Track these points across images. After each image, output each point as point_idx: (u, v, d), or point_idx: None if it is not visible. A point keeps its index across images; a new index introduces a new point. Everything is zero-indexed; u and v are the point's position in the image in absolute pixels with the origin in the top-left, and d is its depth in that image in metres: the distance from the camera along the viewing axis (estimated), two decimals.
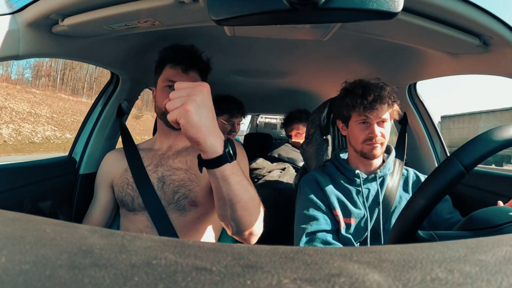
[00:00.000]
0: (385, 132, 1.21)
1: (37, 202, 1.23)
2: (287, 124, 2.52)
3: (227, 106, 2.20)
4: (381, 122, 1.20)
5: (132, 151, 1.23)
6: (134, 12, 0.89)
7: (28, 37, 0.95)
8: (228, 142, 0.78)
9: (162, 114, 1.17)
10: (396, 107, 1.25)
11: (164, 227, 1.08)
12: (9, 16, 0.91)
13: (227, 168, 0.78)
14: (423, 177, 1.31)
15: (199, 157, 0.78)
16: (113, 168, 1.25)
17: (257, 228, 0.91)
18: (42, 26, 0.97)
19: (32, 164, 1.26)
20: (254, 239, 0.92)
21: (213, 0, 0.62)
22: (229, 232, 0.91)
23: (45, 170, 1.32)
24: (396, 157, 1.33)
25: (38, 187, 1.25)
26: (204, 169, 0.79)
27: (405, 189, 1.27)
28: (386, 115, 1.20)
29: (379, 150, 1.20)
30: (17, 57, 0.93)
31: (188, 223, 1.13)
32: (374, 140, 1.19)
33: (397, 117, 1.28)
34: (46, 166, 1.34)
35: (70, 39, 1.08)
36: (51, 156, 1.56)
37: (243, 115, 2.29)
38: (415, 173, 1.33)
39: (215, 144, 0.75)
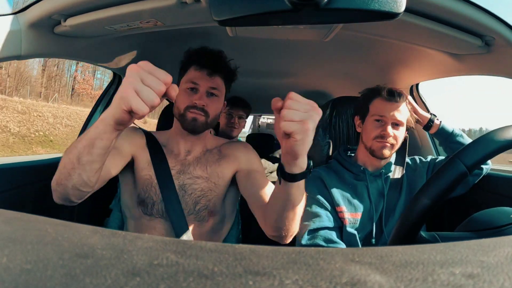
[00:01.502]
0: (398, 134, 1.21)
1: (38, 201, 1.24)
2: None
3: (230, 98, 2.26)
4: (395, 125, 1.21)
5: (155, 148, 1.16)
6: (136, 12, 0.89)
7: (30, 38, 0.95)
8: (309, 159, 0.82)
9: (180, 116, 1.12)
10: (412, 117, 1.27)
11: (184, 236, 1.06)
12: (11, 17, 0.91)
13: (301, 182, 0.82)
14: (429, 158, 1.36)
15: (282, 169, 0.80)
16: (137, 146, 1.15)
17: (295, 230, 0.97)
18: (44, 26, 0.97)
19: (33, 164, 1.26)
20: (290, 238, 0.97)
21: (215, 1, 0.62)
22: (274, 234, 0.95)
23: (47, 169, 1.32)
24: (397, 157, 1.35)
25: (40, 186, 1.26)
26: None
27: (412, 178, 1.29)
28: (401, 118, 1.21)
29: (388, 151, 1.21)
30: (19, 57, 0.94)
31: (204, 232, 1.12)
32: (385, 139, 1.20)
33: (412, 125, 1.28)
34: (48, 166, 1.34)
35: (72, 40, 1.08)
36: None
37: (243, 108, 2.31)
38: (419, 158, 1.37)
39: (305, 162, 0.78)
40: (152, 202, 1.08)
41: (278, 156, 2.38)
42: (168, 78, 0.68)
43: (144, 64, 0.69)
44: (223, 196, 1.14)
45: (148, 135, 1.18)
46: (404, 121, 1.23)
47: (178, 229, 1.06)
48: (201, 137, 1.18)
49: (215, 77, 1.13)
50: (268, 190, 1.06)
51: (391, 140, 1.20)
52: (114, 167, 1.03)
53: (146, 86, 0.66)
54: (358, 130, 1.33)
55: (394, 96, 1.20)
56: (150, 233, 1.06)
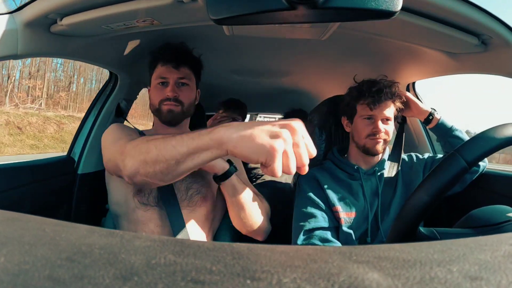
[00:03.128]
0: (388, 129, 1.23)
1: (36, 202, 1.23)
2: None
3: (224, 101, 2.28)
4: (385, 120, 1.22)
5: None
6: (133, 11, 0.89)
7: (27, 37, 0.94)
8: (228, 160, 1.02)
9: (156, 111, 1.19)
10: (399, 106, 1.28)
11: (178, 225, 1.07)
12: (7, 16, 0.91)
13: (234, 179, 1.03)
14: (427, 155, 1.36)
15: (214, 175, 1.03)
16: (130, 134, 1.14)
17: (265, 223, 1.11)
18: (40, 25, 0.97)
19: (30, 164, 1.25)
20: (263, 235, 1.12)
21: (211, 0, 0.62)
22: (243, 232, 1.10)
23: (44, 170, 1.32)
24: (393, 154, 1.35)
25: (37, 187, 1.25)
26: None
27: (407, 175, 1.30)
28: (390, 113, 1.23)
29: (381, 146, 1.22)
30: (15, 57, 0.93)
31: (197, 219, 1.12)
32: (377, 136, 1.21)
33: (396, 112, 1.29)
34: (45, 166, 1.34)
35: (69, 39, 1.08)
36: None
37: (238, 109, 2.28)
38: (416, 155, 1.37)
39: (221, 165, 1.01)
40: (149, 191, 1.10)
41: None
42: (314, 152, 0.66)
43: (302, 128, 0.65)
44: (212, 183, 1.15)
45: (140, 133, 1.22)
46: (392, 115, 1.24)
47: (172, 217, 1.08)
48: (181, 128, 1.24)
49: (181, 68, 1.19)
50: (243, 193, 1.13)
51: (383, 135, 1.22)
52: None
53: (294, 154, 0.62)
54: (347, 130, 1.34)
55: (380, 96, 1.20)
56: (146, 224, 1.08)
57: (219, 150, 0.68)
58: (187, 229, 1.07)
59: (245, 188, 1.06)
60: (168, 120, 1.18)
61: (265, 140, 0.61)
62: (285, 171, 0.61)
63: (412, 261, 0.23)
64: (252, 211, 1.07)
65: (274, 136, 0.61)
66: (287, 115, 2.51)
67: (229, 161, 1.03)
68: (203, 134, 0.71)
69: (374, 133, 1.21)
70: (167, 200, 1.09)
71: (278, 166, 0.60)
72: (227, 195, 1.05)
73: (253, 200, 1.08)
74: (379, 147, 1.22)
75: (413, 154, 1.38)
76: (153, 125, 1.37)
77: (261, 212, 1.10)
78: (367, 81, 1.26)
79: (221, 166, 1.01)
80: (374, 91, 1.20)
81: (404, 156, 1.36)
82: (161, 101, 1.18)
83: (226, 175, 1.02)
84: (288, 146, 0.61)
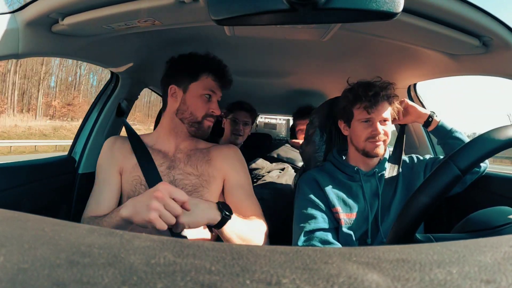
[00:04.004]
0: (387, 129, 1.23)
1: (36, 201, 1.23)
2: (302, 116, 2.43)
3: (231, 104, 2.24)
4: (383, 121, 1.22)
5: (141, 150, 1.19)
6: (134, 11, 0.89)
7: (28, 36, 0.94)
8: (220, 204, 0.96)
9: (197, 122, 1.18)
10: (396, 106, 1.27)
11: (176, 234, 1.04)
12: (9, 15, 0.91)
13: (230, 225, 0.95)
14: (428, 157, 1.36)
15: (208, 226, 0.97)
16: (121, 157, 1.19)
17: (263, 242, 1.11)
18: (42, 25, 0.97)
19: (31, 163, 1.25)
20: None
21: (213, 0, 0.62)
22: None
23: (45, 169, 1.32)
24: (394, 156, 1.35)
25: (37, 186, 1.25)
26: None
27: (408, 176, 1.29)
28: (387, 114, 1.22)
29: (381, 148, 1.22)
30: (17, 56, 0.93)
31: (198, 229, 1.11)
32: (377, 138, 1.20)
33: (396, 115, 1.29)
34: (46, 165, 1.34)
35: (70, 38, 1.08)
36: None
37: (248, 112, 2.23)
38: (416, 157, 1.37)
39: (213, 218, 0.93)
40: (139, 193, 1.10)
41: (275, 155, 2.37)
42: (185, 198, 0.85)
43: (166, 189, 0.84)
44: (215, 192, 1.16)
45: (133, 138, 1.22)
46: (390, 116, 1.24)
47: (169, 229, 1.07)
48: (193, 138, 1.25)
49: (221, 91, 1.22)
50: (248, 206, 1.16)
51: (382, 137, 1.21)
52: (116, 194, 1.15)
53: (168, 212, 0.82)
54: (345, 133, 1.34)
55: (376, 99, 1.20)
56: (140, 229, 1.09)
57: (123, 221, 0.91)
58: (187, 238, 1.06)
59: (242, 226, 1.02)
60: (204, 135, 1.20)
61: (143, 214, 0.83)
62: (168, 223, 0.82)
63: (411, 262, 0.23)
64: (250, 241, 1.05)
65: (151, 212, 0.81)
66: (298, 114, 2.48)
67: (220, 207, 0.96)
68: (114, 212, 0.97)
69: (373, 136, 1.20)
70: None
71: (158, 226, 0.81)
72: (224, 238, 0.99)
73: (252, 231, 1.06)
74: (379, 149, 1.21)
75: (413, 155, 1.37)
76: (154, 130, 1.35)
77: (259, 238, 1.09)
78: (362, 83, 1.25)
79: (212, 217, 0.94)
80: (371, 95, 1.20)
81: (404, 157, 1.36)
82: (206, 115, 1.18)
83: (220, 225, 0.95)
84: (161, 211, 0.81)
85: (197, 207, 0.90)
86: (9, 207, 0.33)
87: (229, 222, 0.95)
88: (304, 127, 2.40)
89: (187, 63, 1.22)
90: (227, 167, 1.21)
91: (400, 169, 1.30)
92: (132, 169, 1.15)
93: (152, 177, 1.12)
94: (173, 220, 0.82)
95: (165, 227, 0.81)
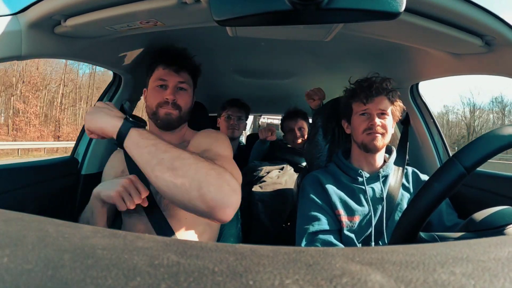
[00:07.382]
0: (386, 123, 1.22)
1: (39, 202, 1.23)
2: (295, 117, 2.44)
3: (224, 103, 2.34)
4: (381, 114, 1.22)
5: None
6: (136, 13, 0.89)
7: (31, 38, 0.95)
8: (131, 118, 0.94)
9: (153, 114, 1.17)
10: (398, 104, 1.27)
11: (163, 231, 1.05)
12: (11, 17, 0.91)
13: (134, 134, 0.89)
14: (422, 176, 1.33)
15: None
16: (114, 168, 1.21)
17: (216, 194, 0.80)
18: (44, 26, 0.97)
19: (34, 165, 1.26)
20: (220, 210, 0.80)
21: (215, 1, 0.62)
22: (197, 214, 0.84)
23: (48, 170, 1.32)
24: (398, 157, 1.34)
25: (41, 187, 1.26)
26: None
27: (406, 187, 1.28)
28: (385, 107, 1.23)
29: (380, 141, 1.21)
30: (19, 58, 0.94)
31: (187, 226, 1.10)
32: (374, 129, 1.20)
33: (399, 115, 1.28)
34: (49, 167, 1.34)
35: (73, 40, 1.08)
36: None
37: (241, 108, 2.33)
38: (414, 171, 1.35)
39: (112, 124, 0.91)
40: None
41: (275, 155, 2.39)
42: (145, 192, 0.99)
43: (134, 180, 0.99)
44: None
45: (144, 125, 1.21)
46: (389, 110, 1.24)
47: (156, 224, 1.06)
48: (176, 133, 1.22)
49: (182, 72, 1.18)
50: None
51: (379, 129, 1.21)
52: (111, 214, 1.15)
53: (128, 195, 0.96)
54: (348, 132, 1.34)
55: (371, 90, 1.21)
56: (131, 229, 1.10)
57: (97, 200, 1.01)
58: (176, 236, 1.05)
59: (162, 146, 0.86)
60: (164, 124, 1.16)
61: (110, 192, 0.97)
62: (128, 206, 0.96)
63: (415, 262, 0.23)
64: (177, 172, 0.81)
65: (116, 192, 0.96)
66: (287, 116, 2.49)
67: (129, 119, 0.92)
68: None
69: (370, 127, 1.21)
70: (147, 208, 1.06)
71: (118, 206, 0.96)
72: (138, 161, 0.86)
73: (183, 158, 0.84)
74: (377, 142, 1.21)
75: (418, 173, 1.35)
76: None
77: (193, 175, 0.81)
78: (359, 80, 1.28)
79: (112, 127, 0.90)
80: (365, 86, 1.22)
81: (409, 168, 1.35)
82: (159, 104, 1.15)
83: (122, 134, 0.87)
84: (124, 194, 0.96)
85: (100, 111, 0.95)
86: (13, 208, 0.33)
87: (134, 132, 0.88)
88: (294, 127, 2.41)
89: (148, 63, 1.25)
90: (205, 145, 1.11)
91: (405, 174, 1.29)
92: (121, 173, 1.16)
93: (139, 175, 1.05)
94: (131, 205, 0.96)
95: (124, 206, 0.95)
